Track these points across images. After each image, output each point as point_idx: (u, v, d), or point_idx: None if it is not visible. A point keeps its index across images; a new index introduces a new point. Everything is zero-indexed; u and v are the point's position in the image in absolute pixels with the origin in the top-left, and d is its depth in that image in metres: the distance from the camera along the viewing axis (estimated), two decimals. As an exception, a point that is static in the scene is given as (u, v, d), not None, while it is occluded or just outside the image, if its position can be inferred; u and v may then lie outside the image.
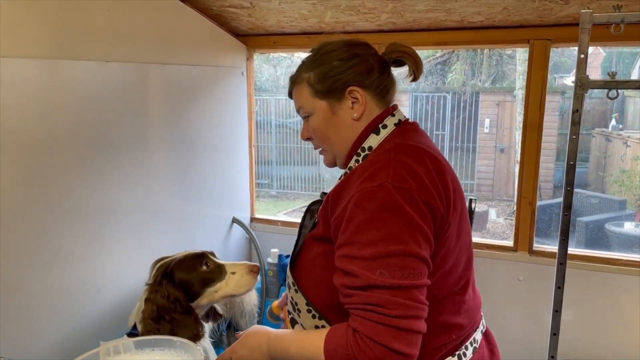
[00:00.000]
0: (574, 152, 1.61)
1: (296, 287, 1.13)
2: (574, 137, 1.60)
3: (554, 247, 1.95)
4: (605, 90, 1.56)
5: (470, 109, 7.46)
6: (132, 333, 1.42)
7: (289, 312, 1.18)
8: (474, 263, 1.20)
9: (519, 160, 2.20)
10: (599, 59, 8.05)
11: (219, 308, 1.60)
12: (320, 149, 1.22)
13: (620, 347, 2.02)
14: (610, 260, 2.01)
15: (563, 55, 7.72)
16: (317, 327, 1.10)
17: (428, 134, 1.19)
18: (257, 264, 1.51)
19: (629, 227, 5.17)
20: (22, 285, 1.46)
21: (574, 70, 1.57)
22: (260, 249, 2.49)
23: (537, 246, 2.13)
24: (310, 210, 1.26)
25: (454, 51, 7.54)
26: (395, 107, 1.16)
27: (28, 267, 1.48)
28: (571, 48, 2.22)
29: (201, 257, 1.47)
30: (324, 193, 1.23)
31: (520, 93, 6.84)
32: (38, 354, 1.52)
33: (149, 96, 1.90)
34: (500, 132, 7.52)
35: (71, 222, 1.59)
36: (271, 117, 7.93)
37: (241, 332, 1.22)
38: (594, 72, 7.65)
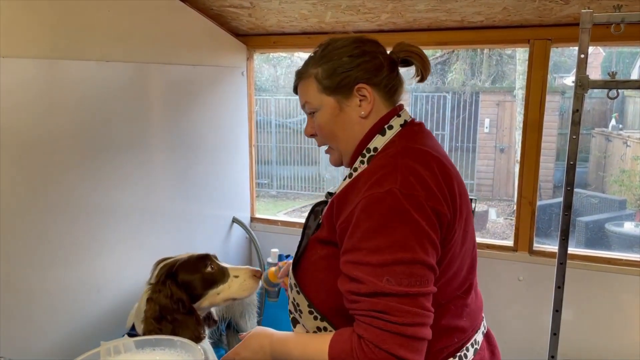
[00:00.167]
0: (574, 152, 1.61)
1: (298, 289, 1.12)
2: (574, 137, 1.60)
3: (554, 247, 1.96)
4: (605, 90, 1.56)
5: (470, 108, 7.46)
6: (131, 334, 1.42)
7: (291, 312, 1.18)
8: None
9: (519, 160, 2.20)
10: (599, 58, 8.06)
11: (214, 314, 1.61)
12: (326, 148, 1.20)
13: (620, 347, 2.02)
14: (611, 260, 2.01)
15: (563, 55, 7.73)
16: (318, 328, 1.10)
17: (430, 134, 1.19)
18: (259, 269, 1.53)
19: (629, 227, 5.17)
20: (22, 285, 1.46)
21: (574, 70, 1.57)
22: (260, 249, 2.50)
23: (537, 246, 2.13)
24: (314, 211, 1.25)
25: (453, 51, 7.54)
26: (401, 107, 1.15)
27: (28, 267, 1.48)
28: (571, 48, 2.22)
29: (205, 259, 1.48)
30: (330, 193, 1.22)
31: (520, 93, 6.84)
32: (38, 354, 1.52)
33: (149, 96, 1.90)
34: (500, 132, 7.52)
35: (71, 222, 1.59)
36: (271, 117, 7.92)
37: (244, 334, 1.21)
38: (594, 72, 7.65)
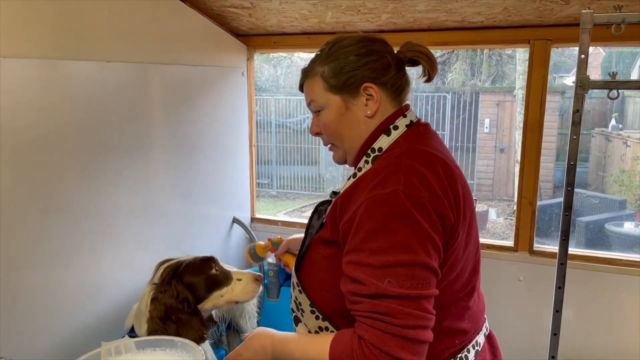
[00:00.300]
0: (575, 153, 1.61)
1: (300, 288, 1.12)
2: (574, 137, 1.60)
3: (554, 247, 1.96)
4: (605, 90, 1.56)
5: (470, 108, 7.47)
6: (131, 335, 1.42)
7: (293, 311, 1.18)
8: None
9: (519, 160, 2.20)
10: (599, 58, 8.07)
11: (214, 315, 1.61)
12: (330, 144, 1.19)
13: (620, 347, 2.02)
14: (611, 260, 2.01)
15: (563, 55, 7.73)
16: (320, 327, 1.10)
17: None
18: (261, 274, 1.54)
19: (629, 227, 5.17)
20: (22, 285, 1.46)
21: (574, 70, 1.57)
22: (260, 249, 2.50)
23: (537, 246, 2.13)
24: (317, 211, 1.25)
25: (453, 51, 7.54)
26: (407, 107, 1.14)
27: (28, 267, 1.48)
28: (571, 48, 2.22)
29: (210, 261, 1.49)
30: (335, 192, 1.22)
31: (520, 93, 6.84)
32: (38, 354, 1.52)
33: (150, 96, 1.90)
34: (500, 132, 7.52)
35: (71, 222, 1.59)
36: (271, 117, 7.92)
37: (246, 335, 1.21)
38: (594, 72, 7.66)
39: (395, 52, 1.14)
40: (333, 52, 1.11)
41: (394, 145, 1.08)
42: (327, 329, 1.09)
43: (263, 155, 7.92)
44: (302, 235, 1.43)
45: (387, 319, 0.92)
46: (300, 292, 1.12)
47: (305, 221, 1.52)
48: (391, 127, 1.10)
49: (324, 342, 1.02)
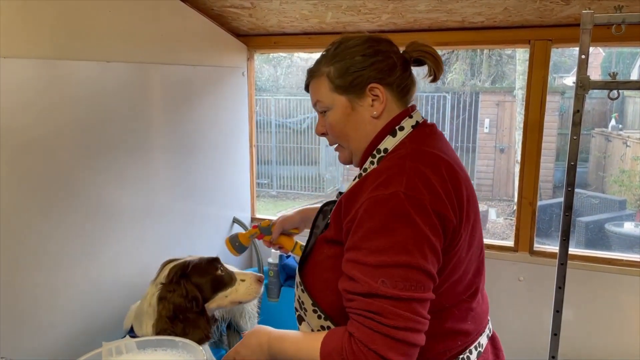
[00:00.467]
0: (575, 153, 1.60)
1: (303, 287, 1.13)
2: (574, 137, 1.60)
3: (554, 247, 1.96)
4: (605, 91, 1.56)
5: (470, 109, 7.47)
6: (132, 335, 1.42)
7: (296, 310, 1.18)
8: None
9: (519, 160, 2.20)
10: (599, 58, 8.07)
11: (215, 313, 1.62)
12: (336, 145, 1.19)
13: (620, 347, 2.02)
14: (611, 260, 2.01)
15: (563, 55, 7.73)
16: (322, 327, 1.10)
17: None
18: (262, 275, 1.56)
19: (628, 227, 5.17)
20: (23, 285, 1.46)
21: (574, 70, 1.57)
22: (260, 249, 2.49)
23: (537, 246, 2.13)
24: (323, 211, 1.26)
25: (453, 51, 7.54)
26: (413, 108, 1.14)
27: (28, 267, 1.48)
28: (571, 48, 2.22)
29: (215, 262, 1.50)
30: (341, 193, 1.22)
31: (520, 93, 6.84)
32: (39, 354, 1.52)
33: (150, 96, 1.90)
34: (500, 132, 7.52)
35: (71, 222, 1.59)
36: (271, 117, 7.92)
37: (246, 332, 1.22)
38: (594, 72, 7.66)
39: (401, 52, 1.14)
40: (339, 53, 1.11)
41: (399, 146, 1.08)
42: (329, 328, 1.09)
43: (263, 155, 7.92)
44: (291, 213, 1.43)
45: (377, 317, 0.92)
46: (303, 292, 1.12)
47: (305, 220, 1.53)
48: (397, 128, 1.10)
49: (316, 338, 1.02)
